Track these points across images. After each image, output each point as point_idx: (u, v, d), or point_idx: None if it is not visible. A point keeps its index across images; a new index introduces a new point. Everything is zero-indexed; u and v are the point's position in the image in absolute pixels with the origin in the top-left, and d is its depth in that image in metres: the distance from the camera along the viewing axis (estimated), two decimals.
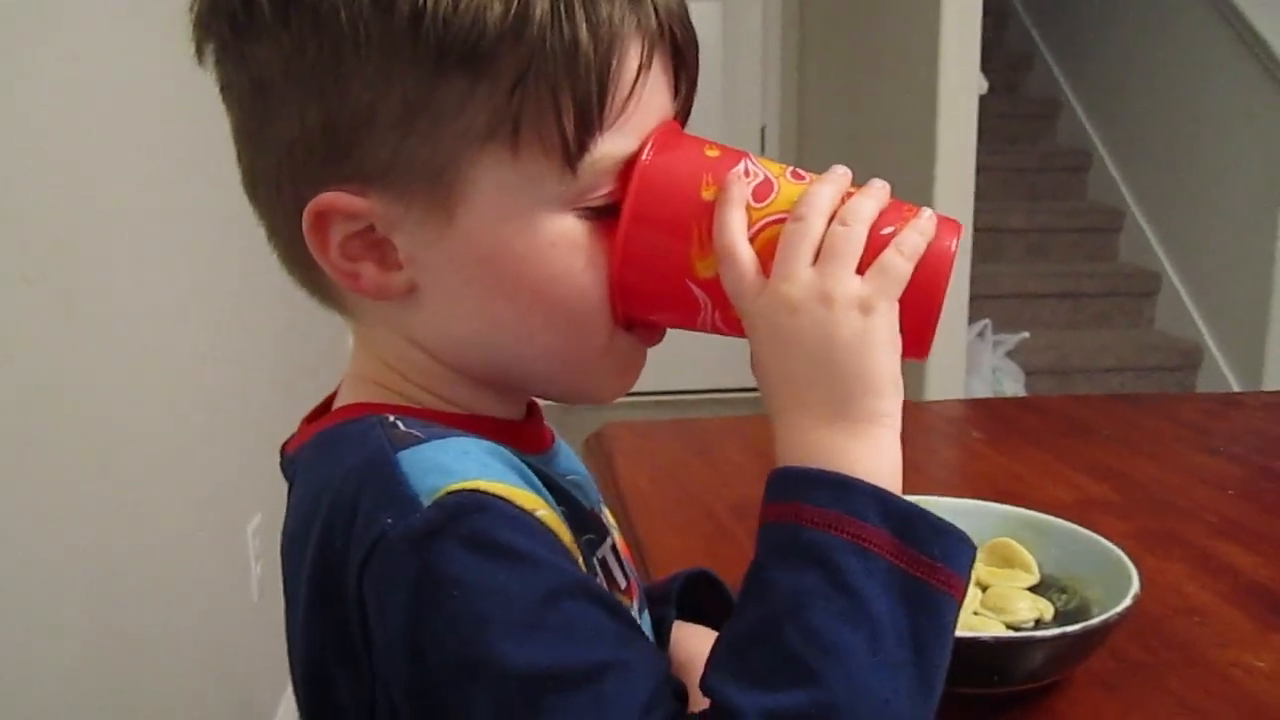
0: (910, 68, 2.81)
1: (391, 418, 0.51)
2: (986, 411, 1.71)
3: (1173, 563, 0.94)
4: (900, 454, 0.50)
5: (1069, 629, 0.68)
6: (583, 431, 1.32)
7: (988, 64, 2.71)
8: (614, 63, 0.49)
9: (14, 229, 1.06)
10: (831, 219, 0.51)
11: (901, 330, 0.50)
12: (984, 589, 0.79)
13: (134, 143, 1.39)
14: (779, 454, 0.51)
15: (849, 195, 0.52)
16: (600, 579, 0.54)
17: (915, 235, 0.51)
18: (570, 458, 0.63)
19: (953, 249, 0.51)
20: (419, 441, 0.49)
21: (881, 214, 0.51)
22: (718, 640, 0.48)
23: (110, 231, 1.30)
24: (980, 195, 2.73)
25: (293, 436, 0.59)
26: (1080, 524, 0.82)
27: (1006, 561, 0.82)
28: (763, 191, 0.52)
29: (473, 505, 0.46)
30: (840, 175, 0.53)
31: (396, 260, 0.52)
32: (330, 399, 0.59)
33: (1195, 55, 3.51)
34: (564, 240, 0.51)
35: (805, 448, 0.49)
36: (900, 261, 0.50)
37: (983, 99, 2.68)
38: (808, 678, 0.44)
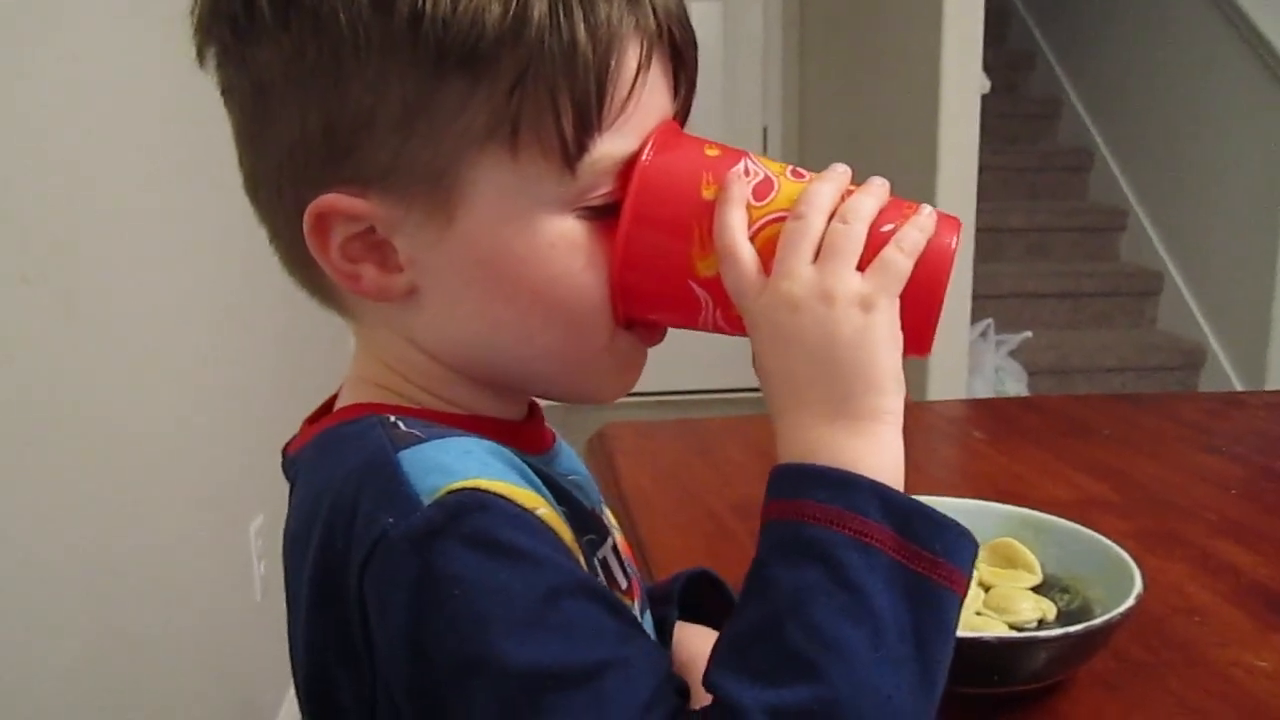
0: (912, 67, 2.81)
1: (392, 418, 0.51)
2: (987, 411, 1.71)
3: (1174, 562, 0.94)
4: (902, 451, 0.50)
5: (1072, 629, 0.68)
6: (585, 432, 1.32)
7: (989, 63, 2.70)
8: (612, 63, 0.49)
9: (14, 229, 1.06)
10: (832, 217, 0.51)
11: (903, 327, 0.50)
12: (987, 589, 0.79)
13: (134, 143, 1.39)
14: (780, 451, 0.51)
15: (849, 193, 0.52)
16: (601, 579, 0.54)
17: (915, 232, 0.51)
18: (571, 458, 0.63)
19: (953, 245, 0.51)
20: (420, 441, 0.49)
21: (881, 211, 0.51)
22: (720, 637, 0.48)
23: (111, 232, 1.30)
24: (982, 195, 2.73)
25: (294, 437, 0.59)
26: (1082, 524, 0.82)
27: (1009, 561, 0.82)
28: (763, 190, 0.52)
29: (473, 504, 0.46)
30: (840, 173, 0.53)
31: (397, 262, 0.52)
32: (332, 400, 0.59)
33: (1197, 54, 3.51)
34: (563, 241, 0.51)
35: (807, 445, 0.49)
36: (900, 258, 0.50)
37: (984, 98, 2.68)
38: (810, 674, 0.44)
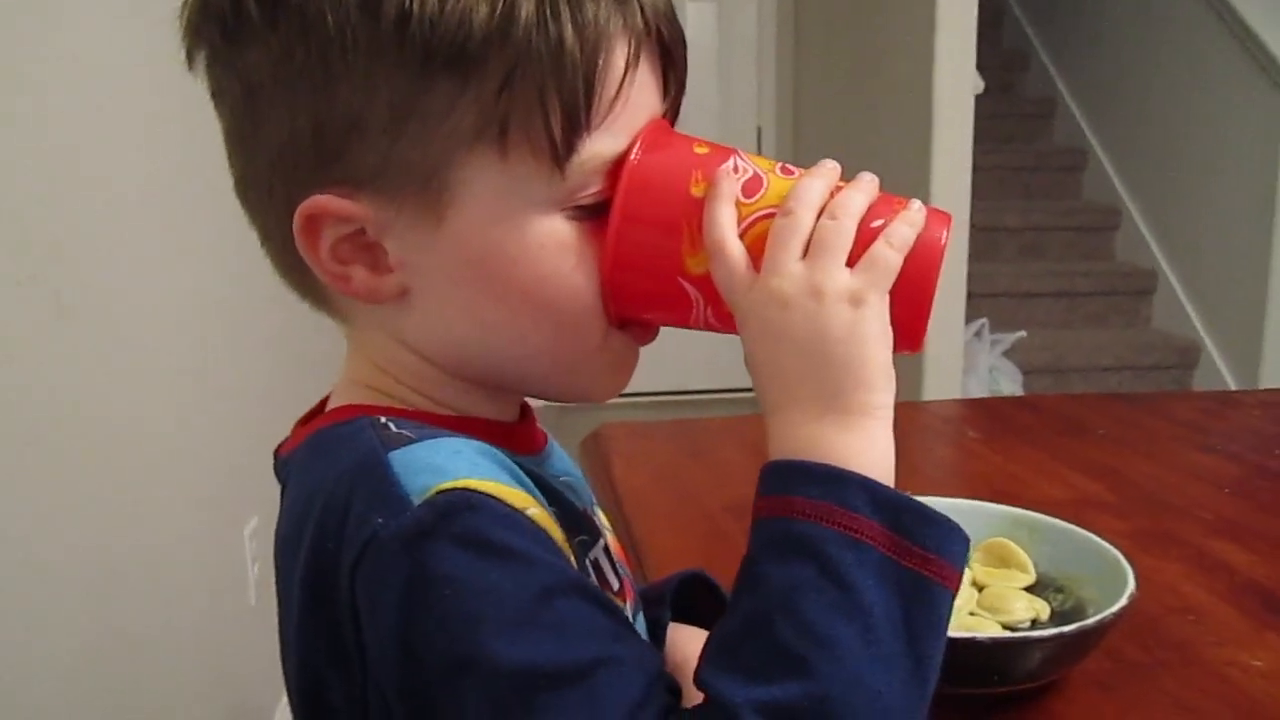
0: (906, 68, 2.81)
1: (383, 419, 0.51)
2: (982, 411, 1.71)
3: (1169, 562, 0.94)
4: (893, 446, 0.50)
5: (1065, 629, 0.68)
6: (579, 433, 1.32)
7: (983, 63, 2.70)
8: (600, 62, 0.49)
9: (12, 230, 1.06)
10: (821, 213, 0.51)
11: (894, 323, 0.50)
12: (980, 589, 0.79)
13: (133, 144, 1.39)
14: (771, 448, 0.50)
15: (838, 189, 0.52)
16: (592, 580, 0.54)
17: (904, 227, 0.51)
18: (563, 459, 0.63)
19: (943, 240, 0.51)
20: (410, 442, 0.49)
21: (871, 207, 0.51)
22: (711, 636, 0.48)
23: (106, 234, 1.30)
24: (976, 194, 2.73)
25: (286, 439, 0.59)
26: (1076, 523, 0.82)
27: (1003, 561, 0.82)
28: (752, 187, 0.52)
29: (463, 504, 0.46)
30: (829, 169, 0.53)
31: (387, 264, 0.52)
32: (324, 402, 0.59)
33: (1191, 54, 3.52)
34: (553, 241, 0.51)
35: (797, 441, 0.49)
36: (890, 253, 0.50)
37: (978, 98, 2.67)
38: (801, 670, 0.44)
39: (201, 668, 1.58)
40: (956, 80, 2.63)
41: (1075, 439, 1.33)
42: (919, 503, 0.48)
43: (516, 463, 0.51)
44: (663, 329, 0.58)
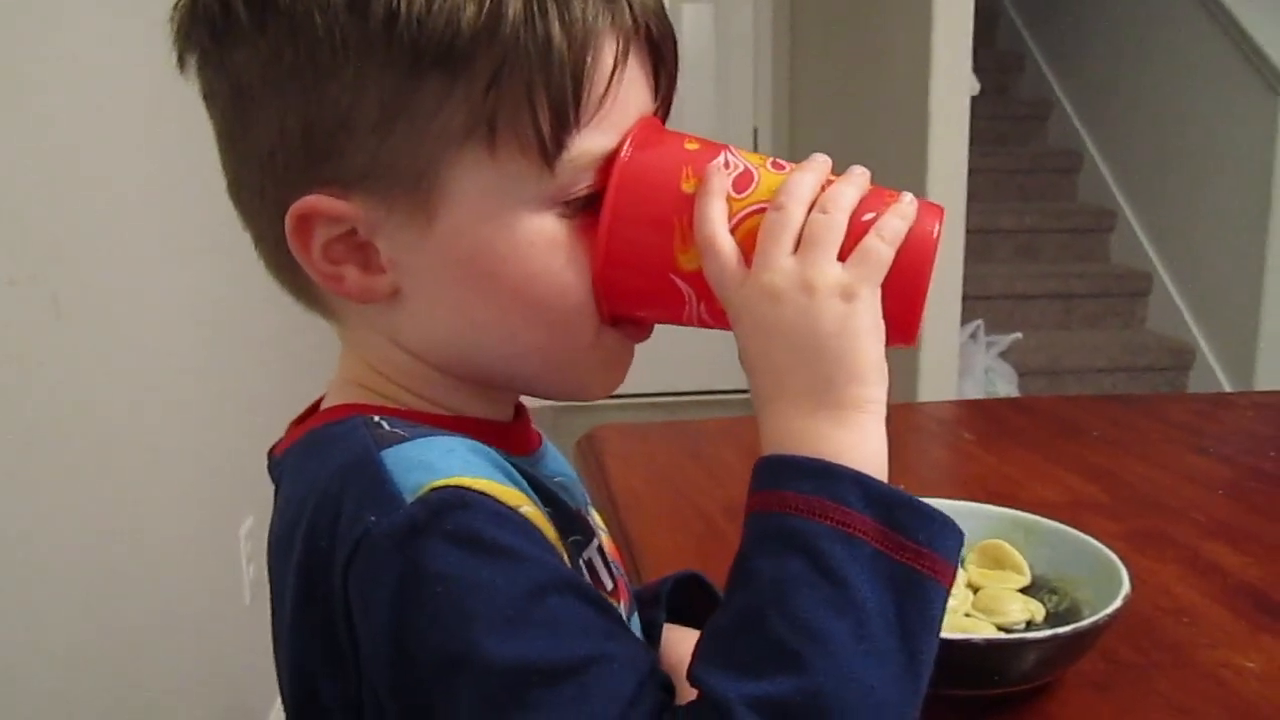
0: (902, 69, 2.82)
1: (376, 418, 0.51)
2: (977, 412, 1.71)
3: (1163, 563, 0.94)
4: (886, 441, 0.50)
5: (1060, 630, 0.68)
6: (574, 434, 1.32)
7: (978, 65, 2.71)
8: (588, 60, 0.49)
9: (10, 230, 1.06)
10: (812, 207, 0.51)
11: (887, 317, 0.50)
12: (975, 590, 0.79)
13: (132, 144, 1.39)
14: (764, 442, 0.50)
15: (830, 183, 0.52)
16: (586, 580, 0.54)
17: (896, 220, 0.50)
18: (557, 459, 0.63)
19: (935, 232, 0.51)
20: (403, 440, 0.49)
21: (862, 200, 0.51)
22: (704, 631, 0.48)
23: (101, 234, 1.30)
24: (971, 196, 2.74)
25: (281, 439, 0.59)
26: (1071, 525, 0.82)
27: (997, 563, 0.82)
28: (743, 182, 0.52)
29: (456, 501, 0.46)
30: (820, 163, 0.53)
31: (379, 263, 0.52)
32: (318, 402, 0.59)
33: (1185, 56, 3.52)
34: (542, 239, 0.51)
35: (790, 436, 0.49)
36: (881, 247, 0.50)
37: (973, 100, 2.68)
38: (793, 665, 0.44)
39: (196, 667, 1.58)
40: (952, 82, 2.64)
41: (1070, 441, 1.33)
42: (912, 497, 0.48)
43: (510, 462, 0.51)
44: (658, 329, 0.57)
